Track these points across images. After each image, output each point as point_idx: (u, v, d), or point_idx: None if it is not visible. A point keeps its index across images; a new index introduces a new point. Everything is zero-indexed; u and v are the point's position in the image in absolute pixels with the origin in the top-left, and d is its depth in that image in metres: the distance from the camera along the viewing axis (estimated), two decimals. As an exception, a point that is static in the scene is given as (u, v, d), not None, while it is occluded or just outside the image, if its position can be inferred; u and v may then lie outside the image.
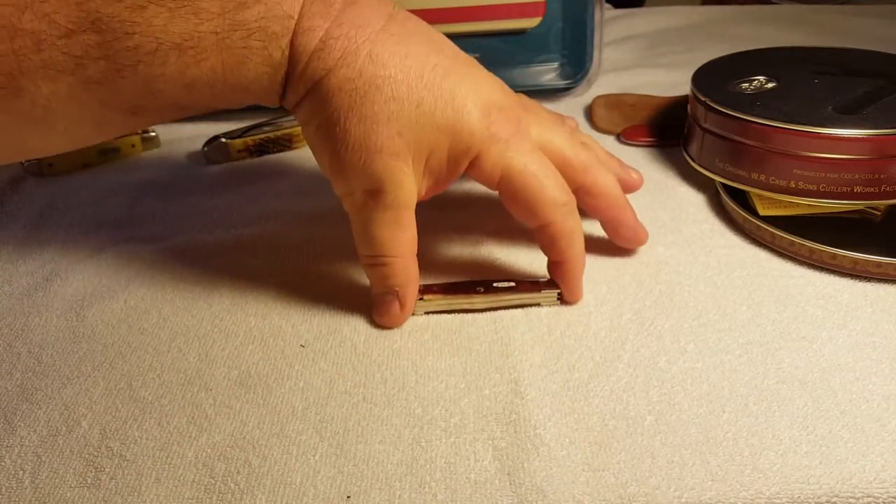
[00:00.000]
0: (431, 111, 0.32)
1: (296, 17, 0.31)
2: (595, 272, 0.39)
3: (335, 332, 0.36)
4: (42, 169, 0.51)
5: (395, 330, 0.36)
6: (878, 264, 0.38)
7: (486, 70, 0.36)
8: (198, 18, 0.30)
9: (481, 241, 0.42)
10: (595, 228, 0.43)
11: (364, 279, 0.39)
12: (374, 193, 0.33)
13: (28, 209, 0.47)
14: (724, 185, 0.44)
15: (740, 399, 0.31)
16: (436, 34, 0.35)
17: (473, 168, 0.34)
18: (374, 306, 0.36)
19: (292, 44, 0.31)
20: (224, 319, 0.37)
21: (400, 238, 0.34)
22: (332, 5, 0.32)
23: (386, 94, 0.32)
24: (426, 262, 0.38)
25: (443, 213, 0.44)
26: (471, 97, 0.33)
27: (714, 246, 0.41)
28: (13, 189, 0.50)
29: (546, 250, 0.36)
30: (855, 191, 0.40)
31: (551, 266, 0.37)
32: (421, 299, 0.36)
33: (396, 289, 0.35)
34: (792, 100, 0.43)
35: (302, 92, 0.32)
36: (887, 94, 0.43)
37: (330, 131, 0.32)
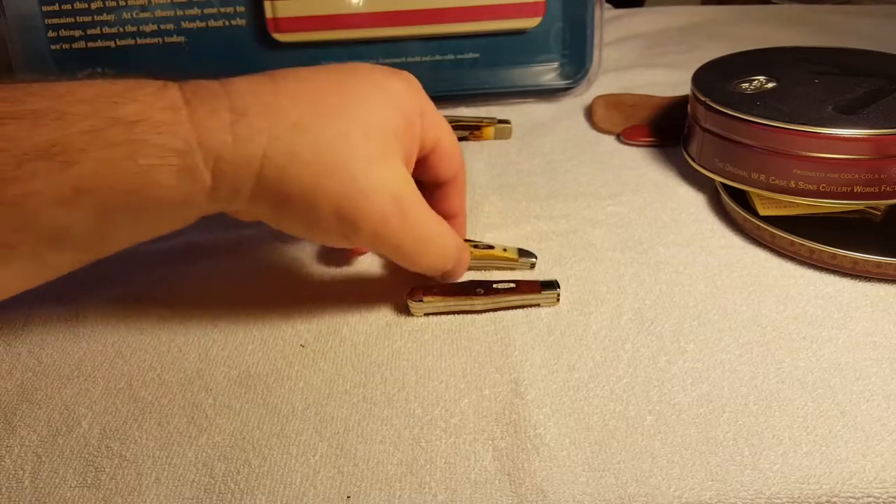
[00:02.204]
0: (380, 113, 0.32)
1: (182, 106, 0.28)
2: (595, 272, 0.39)
3: (335, 332, 0.36)
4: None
5: (395, 330, 0.36)
6: (878, 264, 0.38)
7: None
8: (65, 123, 0.26)
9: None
10: (595, 227, 0.43)
11: (364, 278, 0.39)
12: (396, 201, 0.32)
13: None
14: (724, 185, 0.44)
15: (740, 399, 0.31)
16: (308, 74, 0.33)
17: (423, 124, 0.34)
18: (453, 271, 0.37)
19: (199, 131, 0.28)
20: (224, 319, 0.36)
21: (435, 213, 0.34)
22: (209, 89, 0.30)
23: (337, 128, 0.31)
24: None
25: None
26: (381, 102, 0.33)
27: (714, 246, 0.41)
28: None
29: (448, 206, 0.38)
30: (855, 191, 0.40)
31: (453, 207, 0.39)
32: (420, 301, 0.36)
33: (466, 247, 0.37)
34: (792, 100, 0.43)
35: (247, 182, 0.30)
36: (887, 94, 0.43)
37: (312, 201, 0.30)
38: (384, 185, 0.31)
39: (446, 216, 0.37)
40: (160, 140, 0.28)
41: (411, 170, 0.35)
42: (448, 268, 0.36)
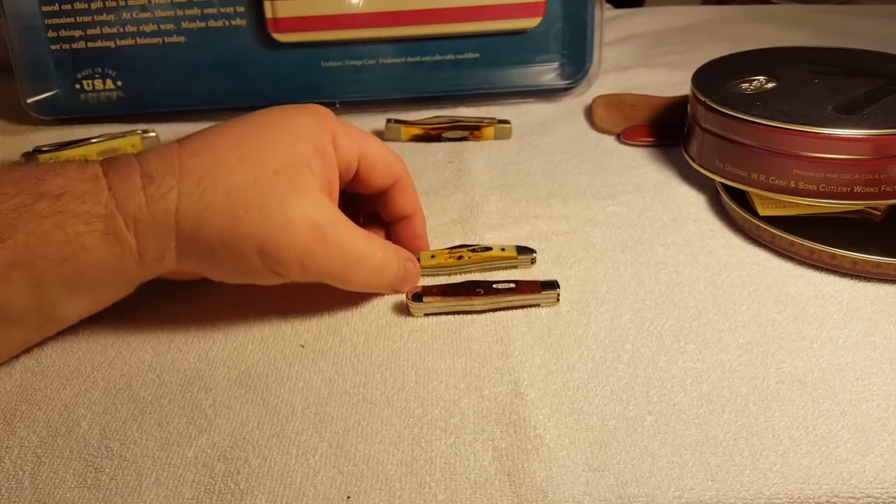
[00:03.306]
0: (274, 145, 0.33)
1: (101, 177, 0.31)
2: (595, 272, 0.39)
3: (335, 333, 0.36)
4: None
5: (395, 330, 0.36)
6: (878, 264, 0.38)
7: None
8: None
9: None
10: (595, 227, 0.43)
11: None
12: (316, 229, 0.33)
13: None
14: (723, 185, 0.44)
15: (740, 399, 0.31)
16: (213, 132, 0.34)
17: (337, 148, 0.35)
18: (398, 283, 0.37)
19: (116, 197, 0.30)
20: (224, 319, 0.36)
21: (362, 232, 0.35)
22: (124, 160, 0.32)
23: (242, 177, 0.32)
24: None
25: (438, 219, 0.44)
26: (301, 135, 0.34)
27: (714, 246, 0.41)
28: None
29: (398, 209, 0.39)
30: (855, 191, 0.40)
31: (402, 226, 0.39)
32: (420, 301, 0.36)
33: (408, 256, 0.37)
34: (792, 100, 0.43)
35: (168, 239, 0.31)
36: (887, 94, 0.43)
37: (233, 246, 0.32)
38: (301, 216, 0.32)
39: (399, 218, 0.39)
40: (85, 208, 0.30)
41: (335, 195, 0.35)
42: (387, 282, 0.36)
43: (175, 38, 0.56)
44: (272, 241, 0.32)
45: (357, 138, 0.36)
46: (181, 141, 0.33)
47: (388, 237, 0.40)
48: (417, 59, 0.58)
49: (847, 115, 0.41)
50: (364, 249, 0.35)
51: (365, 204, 0.40)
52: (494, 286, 0.36)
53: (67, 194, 0.30)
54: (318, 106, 0.36)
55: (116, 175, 0.31)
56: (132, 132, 0.54)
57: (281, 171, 0.33)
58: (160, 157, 0.32)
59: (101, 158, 0.33)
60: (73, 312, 0.33)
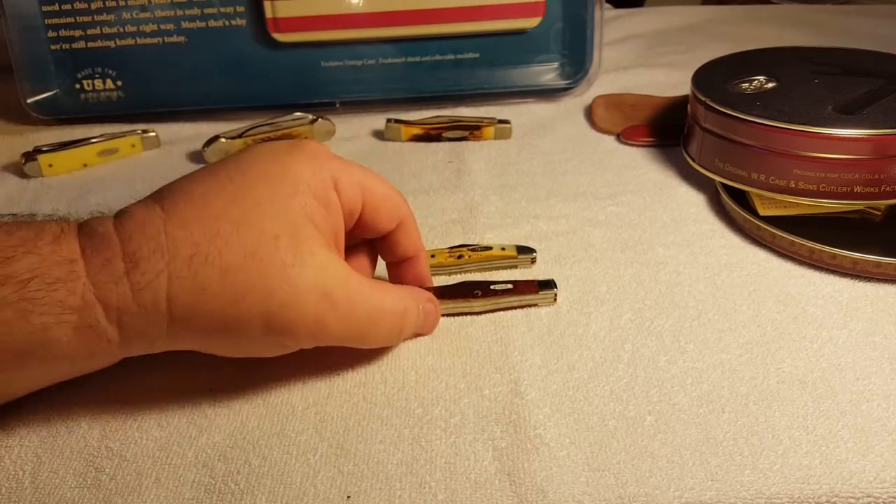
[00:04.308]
0: (271, 198, 0.29)
1: (78, 258, 0.27)
2: (595, 272, 0.39)
3: (335, 333, 0.36)
4: (42, 169, 0.51)
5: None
6: (878, 264, 0.38)
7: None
8: None
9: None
10: (595, 227, 0.43)
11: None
12: (325, 298, 0.29)
13: (28, 209, 0.47)
14: (724, 185, 0.44)
15: (740, 399, 0.31)
16: (197, 188, 0.30)
17: (339, 194, 0.31)
18: (420, 329, 0.35)
19: (95, 286, 0.27)
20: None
21: (376, 287, 0.32)
22: (103, 234, 0.28)
23: (241, 238, 0.28)
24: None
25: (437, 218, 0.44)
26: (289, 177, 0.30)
27: (714, 246, 0.41)
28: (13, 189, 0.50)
29: (402, 251, 0.35)
30: (855, 191, 0.40)
31: (405, 267, 0.35)
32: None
33: (427, 297, 0.34)
34: (792, 100, 0.43)
35: (159, 326, 0.28)
36: (887, 94, 0.43)
37: (236, 327, 0.28)
38: (309, 287, 0.29)
39: (402, 259, 0.35)
40: (55, 297, 0.26)
41: (342, 245, 0.32)
42: (411, 332, 0.34)
43: (175, 38, 0.56)
44: (278, 319, 0.29)
45: (360, 178, 0.32)
46: (164, 202, 0.29)
47: (389, 277, 0.37)
48: (417, 59, 0.58)
49: (847, 115, 0.41)
50: (380, 306, 0.31)
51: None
52: (492, 287, 0.36)
53: (36, 279, 0.26)
54: (312, 143, 0.32)
55: (96, 256, 0.27)
56: (132, 132, 0.54)
57: (282, 235, 0.29)
58: (143, 229, 0.28)
59: (80, 222, 0.29)
60: (35, 387, 0.30)
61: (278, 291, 0.28)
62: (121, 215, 0.29)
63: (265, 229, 0.29)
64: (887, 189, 0.40)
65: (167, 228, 0.28)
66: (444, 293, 0.36)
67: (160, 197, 0.29)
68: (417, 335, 0.35)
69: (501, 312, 0.36)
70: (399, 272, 0.36)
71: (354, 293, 0.30)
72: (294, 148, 0.31)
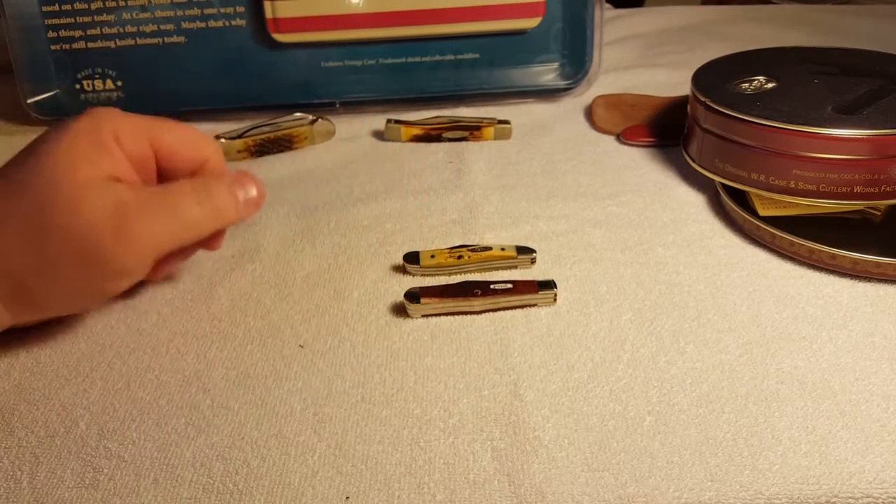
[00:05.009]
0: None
1: None
2: (595, 272, 0.39)
3: (333, 333, 0.36)
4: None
5: (394, 330, 0.36)
6: (878, 264, 0.37)
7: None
8: None
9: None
10: (595, 227, 0.43)
11: (365, 279, 0.39)
12: (116, 207, 0.31)
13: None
14: (723, 185, 0.44)
15: (740, 399, 0.31)
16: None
17: (121, 144, 0.34)
18: (243, 208, 0.35)
19: None
20: (222, 320, 0.36)
21: (167, 186, 0.34)
22: None
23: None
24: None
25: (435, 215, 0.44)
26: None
27: (714, 246, 0.41)
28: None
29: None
30: (855, 191, 0.40)
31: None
32: (418, 302, 0.36)
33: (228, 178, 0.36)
34: (792, 100, 0.43)
35: None
36: (887, 94, 0.43)
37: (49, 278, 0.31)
38: (97, 206, 0.31)
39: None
40: None
41: (137, 181, 0.34)
42: (230, 213, 0.35)
43: (175, 38, 0.56)
44: (77, 241, 0.31)
45: (146, 129, 0.34)
46: None
47: None
48: (417, 59, 0.58)
49: (847, 115, 0.41)
50: (177, 195, 0.33)
51: None
52: (492, 286, 0.36)
53: None
54: (97, 108, 0.35)
55: None
56: (132, 132, 0.54)
57: (63, 171, 0.32)
58: None
59: None
60: None
61: (73, 220, 0.31)
62: None
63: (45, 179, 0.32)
64: (887, 189, 0.40)
65: None
66: (444, 293, 0.36)
67: None
68: (248, 214, 0.36)
69: (501, 312, 0.36)
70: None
71: (145, 194, 0.33)
72: (76, 118, 0.34)
